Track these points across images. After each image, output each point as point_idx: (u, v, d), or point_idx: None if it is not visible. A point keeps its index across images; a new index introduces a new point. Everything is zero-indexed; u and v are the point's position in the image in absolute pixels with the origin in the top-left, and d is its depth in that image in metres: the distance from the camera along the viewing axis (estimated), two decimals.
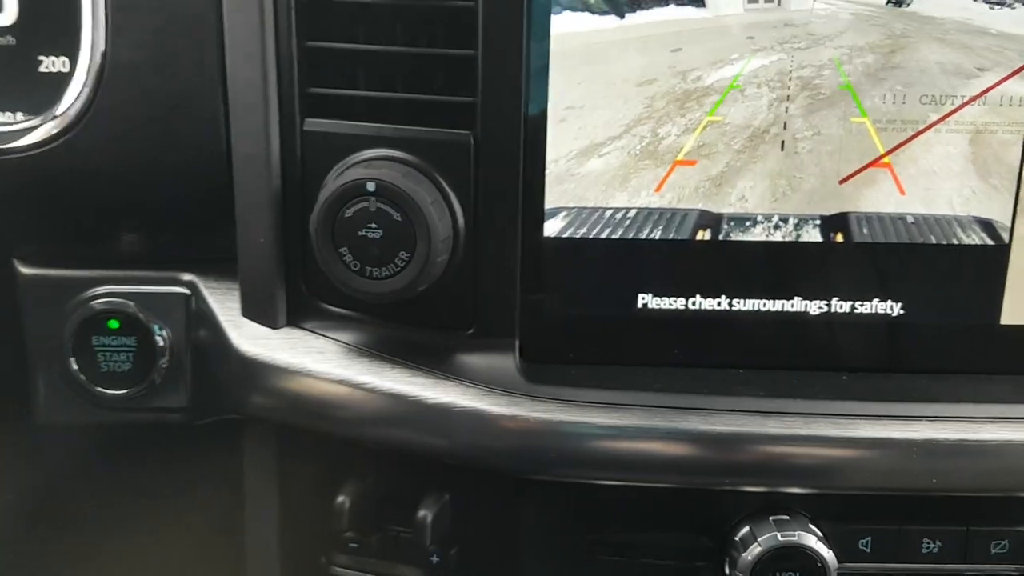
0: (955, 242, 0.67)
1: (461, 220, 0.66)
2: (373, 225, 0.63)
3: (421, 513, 0.66)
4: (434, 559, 0.69)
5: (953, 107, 0.65)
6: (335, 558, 0.71)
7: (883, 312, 0.68)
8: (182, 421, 0.73)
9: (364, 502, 0.69)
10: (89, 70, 0.69)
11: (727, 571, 0.64)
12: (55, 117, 0.69)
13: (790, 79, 0.65)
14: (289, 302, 0.70)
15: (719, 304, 0.68)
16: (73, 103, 0.69)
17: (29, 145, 0.69)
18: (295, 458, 0.73)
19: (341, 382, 0.66)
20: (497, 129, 0.64)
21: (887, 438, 0.62)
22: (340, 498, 0.68)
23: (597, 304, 0.69)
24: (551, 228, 0.67)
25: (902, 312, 0.68)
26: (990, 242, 0.67)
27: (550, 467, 0.65)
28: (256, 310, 0.70)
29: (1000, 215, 0.66)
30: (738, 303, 0.68)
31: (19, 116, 0.73)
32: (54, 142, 0.69)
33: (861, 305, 0.68)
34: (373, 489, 0.69)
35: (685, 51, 0.64)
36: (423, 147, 0.65)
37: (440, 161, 0.65)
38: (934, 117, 0.66)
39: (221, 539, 0.77)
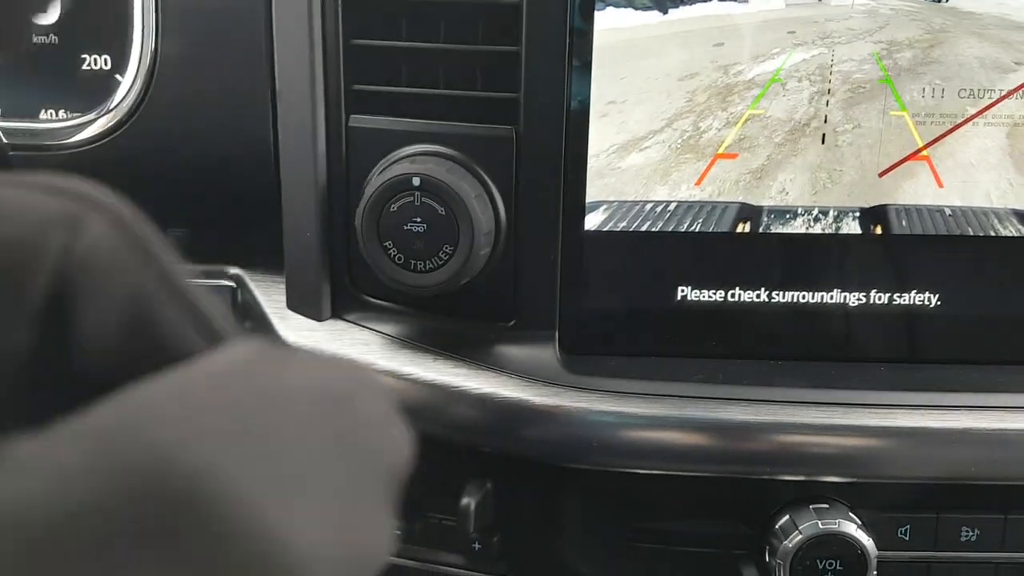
0: (992, 234, 0.67)
1: (503, 214, 0.67)
2: (418, 219, 0.64)
3: (464, 501, 0.67)
4: (476, 546, 0.70)
5: (991, 101, 0.66)
6: None
7: (921, 303, 0.69)
8: None
9: (407, 490, 0.70)
10: (140, 67, 0.70)
11: (767, 559, 0.65)
12: (108, 112, 0.71)
13: (831, 73, 0.65)
14: (334, 295, 0.72)
15: (758, 296, 0.69)
16: (124, 98, 0.70)
17: (81, 141, 0.71)
18: None
19: (385, 372, 0.68)
20: (539, 124, 0.65)
21: (926, 427, 0.63)
22: None
23: (637, 296, 0.70)
24: (592, 222, 0.68)
25: (939, 304, 0.69)
26: None
27: (591, 456, 0.66)
28: (301, 302, 0.72)
29: None
30: (777, 295, 0.69)
31: (61, 114, 0.75)
32: (105, 138, 0.70)
33: (899, 297, 0.68)
34: (416, 477, 0.70)
35: (727, 46, 0.65)
36: (466, 142, 0.66)
37: (483, 156, 0.66)
38: (972, 111, 0.66)
39: None
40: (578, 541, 0.70)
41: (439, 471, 0.70)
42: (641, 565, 0.69)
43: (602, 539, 0.70)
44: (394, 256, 0.65)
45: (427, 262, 0.65)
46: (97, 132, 0.70)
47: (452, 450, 0.68)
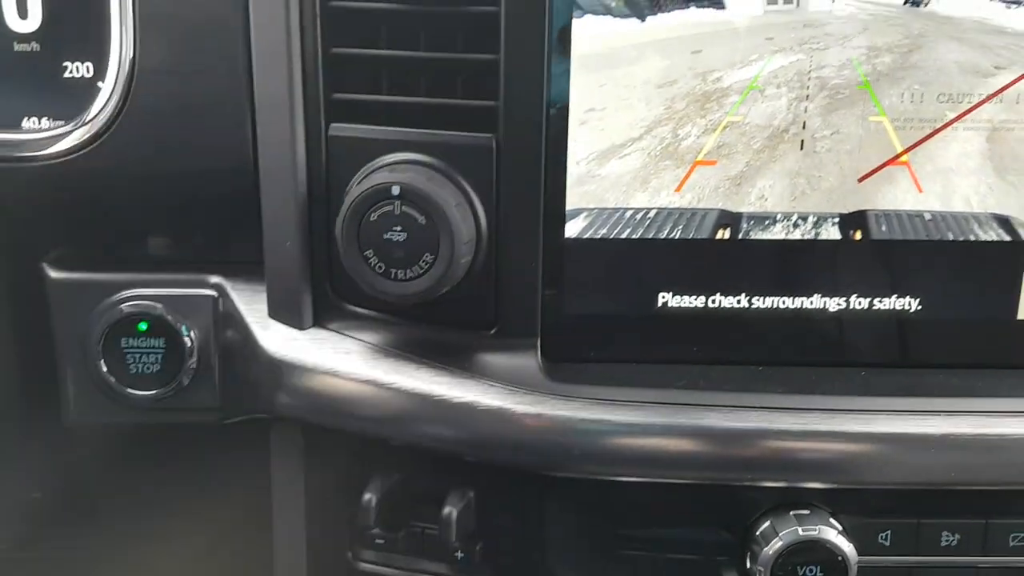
0: (972, 239, 0.67)
1: (484, 222, 0.67)
2: (398, 228, 0.64)
3: (446, 510, 0.67)
4: (459, 555, 0.70)
5: (970, 105, 0.66)
6: (361, 554, 0.73)
7: (901, 308, 0.69)
8: (210, 421, 0.74)
9: (390, 499, 0.70)
10: (118, 76, 0.70)
11: (748, 565, 0.65)
12: (85, 124, 0.70)
13: (809, 79, 0.65)
14: (315, 303, 0.72)
15: (739, 302, 0.69)
16: (102, 109, 0.70)
17: (59, 152, 0.70)
18: (322, 456, 0.74)
19: (367, 382, 0.68)
20: (519, 132, 0.65)
21: (906, 433, 0.63)
22: (366, 495, 0.69)
23: (618, 303, 0.70)
24: (572, 229, 0.68)
25: (920, 308, 0.69)
26: (1007, 238, 0.67)
27: (573, 464, 0.66)
28: (283, 311, 0.72)
29: (1017, 211, 0.67)
30: (758, 301, 0.69)
31: (44, 122, 0.74)
32: (84, 148, 0.70)
33: (879, 302, 0.69)
34: (399, 486, 0.71)
35: (705, 52, 0.65)
36: (446, 151, 0.66)
37: (463, 164, 0.66)
38: (951, 115, 0.66)
39: (249, 535, 0.78)
40: (560, 549, 0.70)
41: (421, 480, 0.70)
42: (623, 572, 0.69)
43: (584, 547, 0.70)
44: (374, 265, 0.65)
45: (408, 271, 0.65)
46: (76, 143, 0.70)
47: (434, 459, 0.68)
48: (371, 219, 0.64)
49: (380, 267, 0.65)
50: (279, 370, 0.70)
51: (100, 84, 0.73)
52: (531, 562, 0.70)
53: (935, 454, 0.63)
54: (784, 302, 0.69)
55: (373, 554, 0.72)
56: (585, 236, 0.68)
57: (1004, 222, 0.67)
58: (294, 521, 0.75)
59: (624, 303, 0.69)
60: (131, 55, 0.69)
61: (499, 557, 0.70)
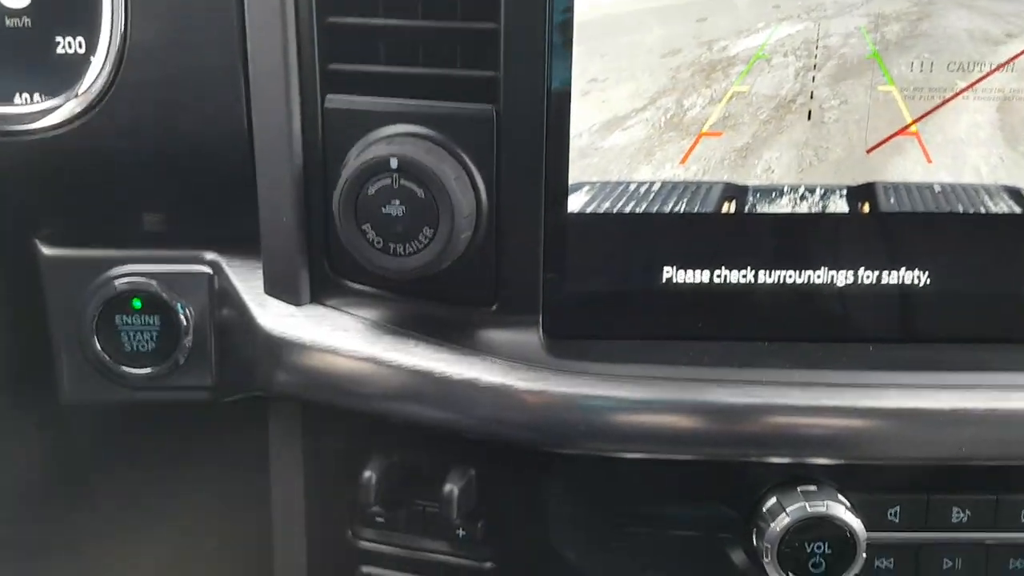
0: (982, 211, 0.66)
1: (484, 196, 0.65)
2: (396, 202, 0.63)
3: (447, 488, 0.66)
4: (460, 533, 0.69)
5: (981, 74, 0.65)
6: (361, 532, 0.72)
7: (910, 282, 0.67)
8: (208, 399, 0.73)
9: (390, 477, 0.69)
10: (109, 50, 0.68)
11: (755, 542, 0.65)
12: (76, 96, 0.69)
13: (816, 48, 0.64)
14: (312, 280, 0.70)
15: (744, 277, 0.68)
16: (94, 83, 0.68)
17: (50, 126, 0.69)
18: (321, 434, 0.73)
19: (366, 359, 0.67)
20: (520, 103, 0.64)
21: (914, 408, 0.62)
22: (366, 473, 0.68)
23: (621, 278, 0.68)
24: (575, 203, 0.67)
25: (929, 282, 0.67)
26: (1018, 210, 0.66)
27: (576, 441, 0.65)
28: (279, 288, 0.70)
29: None
30: (763, 275, 0.68)
31: (36, 98, 0.73)
32: (75, 122, 0.69)
33: (887, 275, 0.67)
34: (399, 464, 0.70)
35: (710, 21, 0.63)
36: (445, 122, 0.65)
37: (463, 136, 0.64)
38: (962, 84, 0.65)
39: (249, 515, 0.77)
40: (563, 526, 0.69)
41: (422, 458, 0.69)
42: (627, 549, 0.69)
43: (587, 524, 0.69)
44: (372, 240, 0.64)
45: (406, 246, 0.63)
46: (67, 116, 0.69)
47: (435, 437, 0.67)
48: (369, 193, 0.63)
49: (378, 242, 0.64)
50: (276, 348, 0.69)
51: (92, 59, 0.71)
52: (533, 540, 0.69)
53: (945, 429, 0.62)
54: (790, 276, 0.68)
55: (373, 532, 0.72)
56: (588, 210, 0.67)
57: (1015, 193, 0.66)
58: (293, 500, 0.74)
59: (627, 278, 0.68)
60: (122, 28, 0.68)
61: (501, 535, 0.70)
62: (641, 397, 0.64)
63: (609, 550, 0.69)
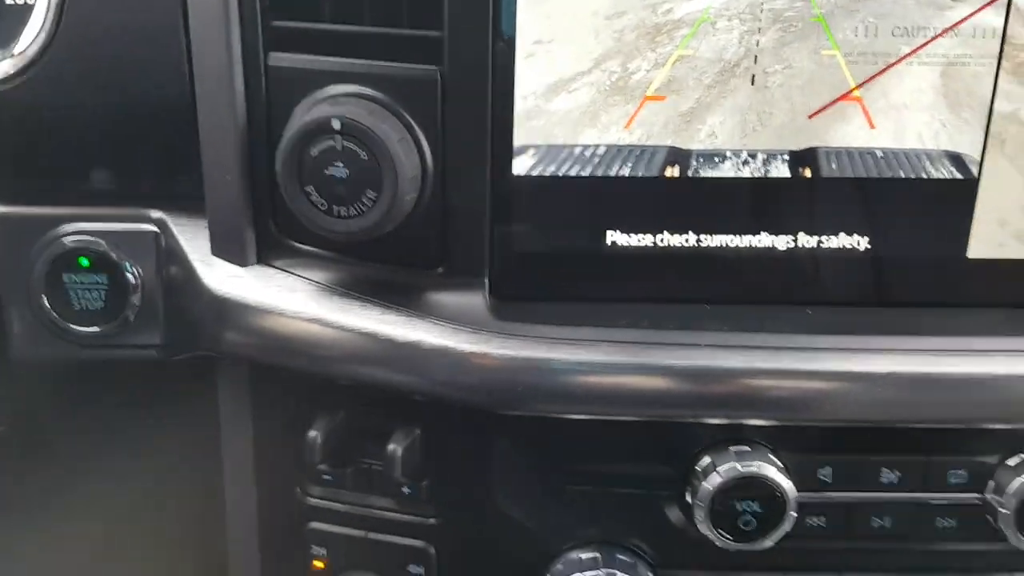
0: (924, 176, 0.67)
1: (429, 158, 0.65)
2: (339, 163, 0.63)
3: (391, 448, 0.67)
4: (406, 491, 0.70)
5: (925, 39, 0.64)
6: (309, 489, 0.73)
7: (850, 247, 0.68)
8: (157, 358, 0.73)
9: (336, 436, 0.70)
10: (49, 6, 0.67)
11: (689, 500, 0.66)
12: (13, 56, 0.68)
13: (761, 11, 0.64)
14: (258, 240, 0.70)
15: (687, 241, 0.68)
16: (33, 40, 0.67)
17: None
18: (268, 393, 0.74)
19: (311, 320, 0.67)
20: (464, 64, 0.63)
21: (849, 371, 0.63)
22: (312, 432, 0.69)
23: (566, 242, 0.69)
24: (520, 166, 0.67)
25: (869, 247, 0.68)
26: (959, 176, 0.67)
27: (519, 403, 0.66)
28: (225, 248, 0.70)
29: (970, 148, 0.66)
30: (706, 239, 0.68)
31: None
32: (15, 80, 0.68)
33: (828, 240, 0.68)
34: (345, 423, 0.71)
35: None
36: (390, 83, 0.64)
37: (407, 97, 0.64)
38: (906, 50, 0.65)
39: (199, 474, 0.78)
40: (507, 484, 0.71)
41: (368, 417, 0.70)
42: (568, 507, 0.70)
43: (529, 482, 0.71)
44: (316, 202, 0.64)
45: (350, 208, 0.63)
46: (8, 73, 0.68)
47: (380, 397, 0.68)
48: (312, 154, 0.63)
49: (322, 204, 0.64)
50: (222, 308, 0.69)
51: (32, 14, 0.70)
52: (477, 497, 0.71)
53: (877, 392, 0.63)
54: (733, 240, 0.68)
55: (321, 490, 0.73)
56: (534, 173, 0.67)
57: (956, 159, 0.66)
58: (243, 458, 0.75)
59: (572, 241, 0.69)
60: None
61: (445, 492, 0.71)
62: (583, 360, 0.65)
63: (551, 507, 0.71)
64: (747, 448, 0.65)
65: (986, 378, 0.63)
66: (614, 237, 0.68)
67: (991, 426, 0.65)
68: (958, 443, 0.66)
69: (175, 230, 0.72)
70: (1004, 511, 0.65)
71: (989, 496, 0.66)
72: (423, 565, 0.71)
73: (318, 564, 0.73)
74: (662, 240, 0.68)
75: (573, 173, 0.67)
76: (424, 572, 0.71)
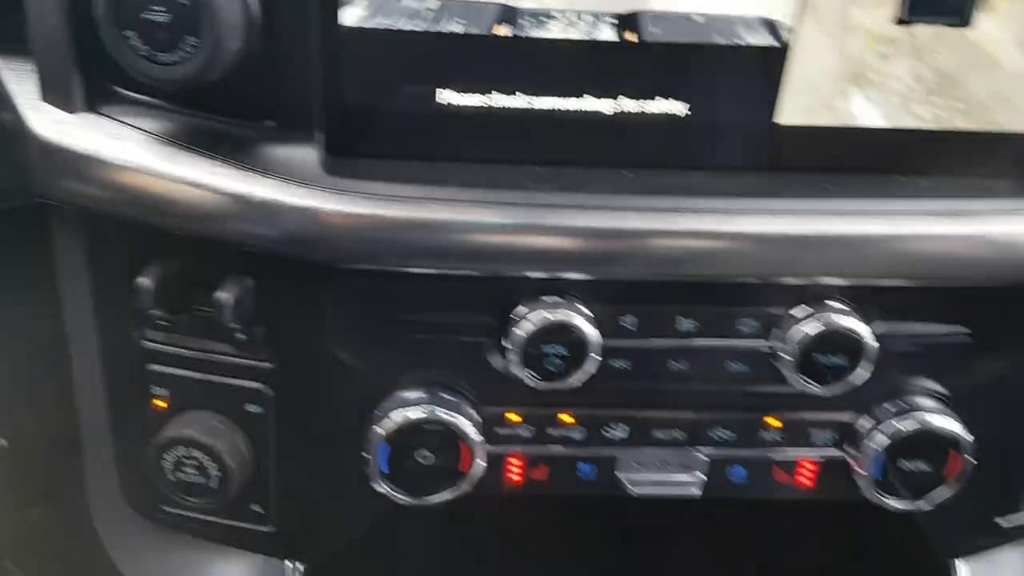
0: (739, 42, 0.69)
1: (255, 5, 0.65)
2: (159, 7, 0.62)
3: (222, 296, 0.70)
4: (241, 336, 0.73)
5: None
6: (148, 335, 0.75)
7: (670, 111, 0.71)
8: None
9: (169, 283, 0.72)
10: None
11: (505, 345, 0.71)
12: None
13: None
14: (87, 86, 0.69)
15: (517, 101, 0.70)
16: None
17: None
18: (103, 241, 0.74)
19: (139, 169, 0.67)
20: None
21: (653, 229, 0.68)
22: (143, 279, 0.71)
23: (398, 98, 0.70)
24: (350, 16, 0.66)
25: (688, 111, 0.71)
26: (773, 43, 0.69)
27: (347, 258, 0.69)
28: (52, 94, 0.69)
29: (783, 16, 0.69)
30: (536, 101, 0.70)
31: None
32: None
33: (649, 104, 0.71)
34: (178, 271, 0.72)
35: None
36: None
37: None
38: None
39: (38, 322, 0.80)
40: (338, 332, 0.74)
41: (200, 265, 0.72)
42: (397, 352, 0.75)
43: (361, 328, 0.74)
44: (137, 47, 0.63)
45: (171, 54, 0.63)
46: None
47: (211, 247, 0.70)
48: None
49: (143, 50, 0.63)
50: (51, 155, 0.69)
51: None
52: (311, 343, 0.74)
53: (677, 247, 0.68)
54: (560, 102, 0.70)
55: (159, 335, 0.75)
56: (364, 25, 0.67)
57: (771, 25, 0.69)
58: (81, 303, 0.77)
59: (404, 98, 0.70)
60: None
61: (280, 338, 0.74)
62: (409, 216, 0.68)
63: (381, 352, 0.75)
64: (558, 299, 0.70)
65: (776, 237, 0.68)
66: (445, 95, 0.70)
67: (779, 280, 0.70)
68: (749, 295, 0.72)
69: (3, 73, 0.70)
70: (787, 357, 0.71)
71: (774, 343, 0.72)
72: (261, 405, 0.75)
73: (159, 404, 0.76)
74: (492, 100, 0.70)
75: (405, 27, 0.67)
76: (262, 411, 0.76)
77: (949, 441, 0.75)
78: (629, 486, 0.78)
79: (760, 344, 0.73)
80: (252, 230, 0.68)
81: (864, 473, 0.76)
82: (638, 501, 0.81)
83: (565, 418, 0.76)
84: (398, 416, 0.73)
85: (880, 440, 0.75)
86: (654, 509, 0.88)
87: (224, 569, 0.84)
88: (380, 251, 0.69)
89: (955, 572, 0.89)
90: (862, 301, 0.72)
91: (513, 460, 0.78)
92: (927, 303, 0.73)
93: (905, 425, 0.74)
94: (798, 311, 0.71)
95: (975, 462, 0.76)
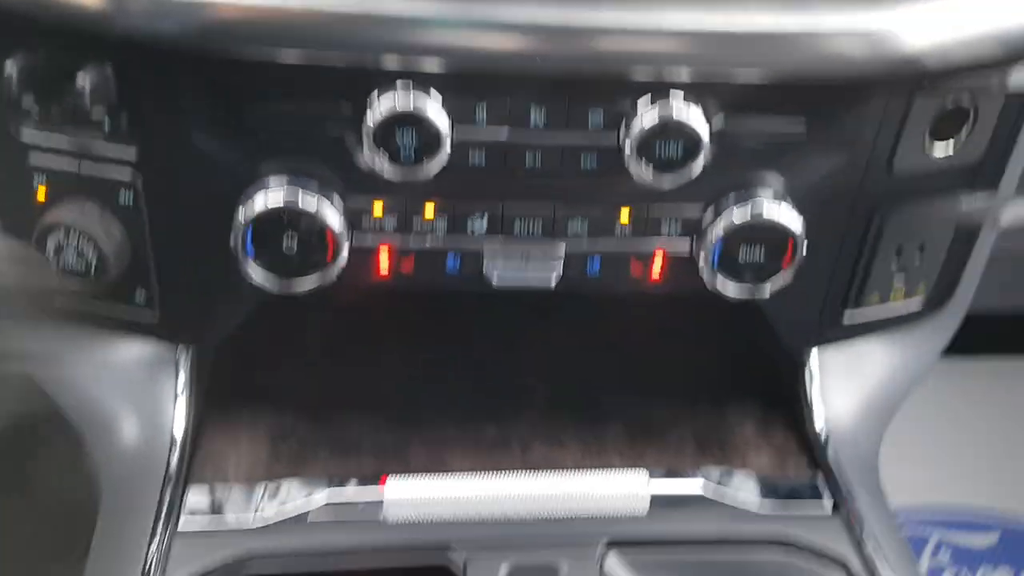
0: None
1: None
2: None
3: (77, 84, 0.72)
4: (107, 123, 0.75)
5: None
6: (21, 123, 0.77)
7: None
8: None
9: (34, 73, 0.73)
10: None
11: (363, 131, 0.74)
12: None
13: None
14: None
15: None
16: None
17: None
18: None
19: None
20: None
21: (504, 21, 0.69)
22: (6, 70, 0.72)
23: None
24: None
25: None
26: None
27: (201, 41, 0.70)
28: None
29: None
30: None
31: None
32: None
33: None
34: (42, 60, 0.74)
35: None
36: None
37: None
38: None
39: None
40: (200, 125, 0.77)
41: (62, 55, 0.74)
42: (261, 142, 0.78)
43: (223, 122, 0.77)
44: None
45: None
46: None
47: (74, 34, 0.71)
48: None
49: None
50: None
51: None
52: (177, 133, 0.77)
53: (525, 41, 0.70)
54: None
55: (31, 124, 0.77)
56: None
57: None
58: None
59: None
60: None
61: (144, 127, 0.76)
62: (272, 5, 0.69)
63: (245, 143, 0.78)
64: (411, 89, 0.73)
65: (620, 28, 0.70)
66: None
67: (627, 75, 0.73)
68: (600, 89, 0.75)
69: None
70: (628, 148, 0.75)
71: (621, 134, 0.76)
72: (131, 191, 0.79)
73: (40, 196, 0.79)
74: None
75: None
76: (132, 198, 0.79)
77: (783, 229, 0.80)
78: (492, 280, 0.83)
79: (610, 137, 0.77)
80: (107, 19, 0.69)
81: (704, 263, 0.82)
82: (502, 304, 0.86)
83: (428, 211, 0.81)
84: (260, 200, 0.77)
85: (718, 230, 0.80)
86: (521, 312, 0.94)
87: (117, 348, 0.90)
88: (238, 38, 0.70)
89: (808, 359, 0.97)
90: (704, 96, 0.75)
91: (380, 251, 0.82)
92: (765, 97, 0.77)
93: (741, 214, 0.80)
94: (641, 104, 0.75)
95: (808, 250, 0.82)
